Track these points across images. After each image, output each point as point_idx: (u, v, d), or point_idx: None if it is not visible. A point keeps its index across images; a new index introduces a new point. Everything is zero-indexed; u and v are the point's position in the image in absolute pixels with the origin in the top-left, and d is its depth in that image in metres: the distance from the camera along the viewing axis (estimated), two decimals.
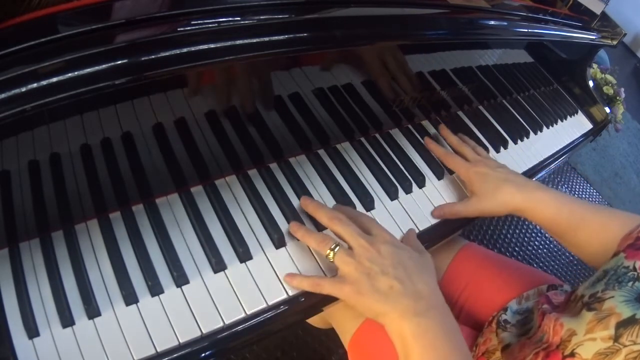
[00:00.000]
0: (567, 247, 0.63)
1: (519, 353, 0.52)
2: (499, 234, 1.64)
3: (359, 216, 0.54)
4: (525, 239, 1.67)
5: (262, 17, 0.44)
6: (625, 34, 1.02)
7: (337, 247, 0.49)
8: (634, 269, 0.45)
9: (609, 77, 1.84)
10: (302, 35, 0.47)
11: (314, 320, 0.77)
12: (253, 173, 0.59)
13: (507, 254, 1.59)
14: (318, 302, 0.52)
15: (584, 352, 0.42)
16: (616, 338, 0.40)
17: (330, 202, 0.60)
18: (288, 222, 0.55)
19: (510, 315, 0.64)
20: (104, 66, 0.36)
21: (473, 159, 0.68)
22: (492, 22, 0.69)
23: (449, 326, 0.47)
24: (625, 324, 0.40)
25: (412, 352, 0.45)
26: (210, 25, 0.41)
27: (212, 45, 0.41)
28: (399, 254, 0.49)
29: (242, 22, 0.43)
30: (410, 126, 0.75)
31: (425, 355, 0.45)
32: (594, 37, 0.95)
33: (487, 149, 0.79)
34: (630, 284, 0.44)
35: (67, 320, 0.43)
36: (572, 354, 0.43)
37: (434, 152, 0.71)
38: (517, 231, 1.67)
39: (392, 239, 0.52)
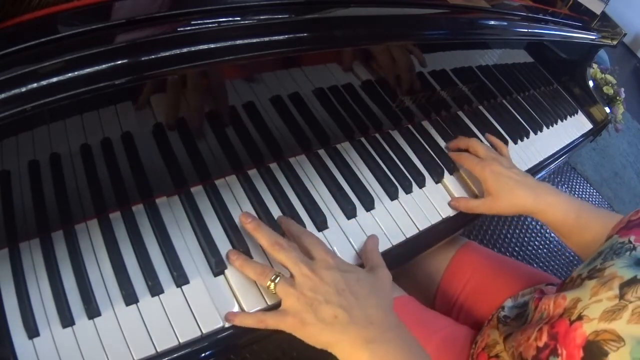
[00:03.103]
0: (572, 247, 0.66)
1: (522, 336, 0.53)
2: (498, 234, 1.64)
3: (301, 235, 0.51)
4: (525, 239, 1.66)
5: (262, 17, 0.44)
6: (625, 34, 1.02)
7: (278, 278, 0.46)
8: (630, 242, 0.47)
9: (609, 77, 1.84)
10: (302, 35, 0.47)
11: None
12: (253, 173, 0.59)
13: (507, 254, 1.59)
14: None
15: (591, 313, 0.43)
16: (621, 296, 0.42)
17: (331, 202, 0.60)
18: None
19: (508, 311, 0.65)
20: (104, 66, 0.36)
21: (485, 156, 0.69)
22: (492, 22, 0.69)
23: (408, 344, 0.46)
24: (628, 284, 0.42)
25: None
26: (210, 25, 0.41)
27: (212, 45, 0.41)
28: (345, 278, 0.46)
29: (242, 22, 0.43)
30: (410, 126, 0.75)
31: None
32: (594, 37, 0.95)
33: None
34: (627, 253, 0.46)
35: (67, 320, 0.43)
36: (580, 317, 0.43)
37: (450, 156, 0.72)
38: (517, 231, 1.67)
39: (337, 261, 0.48)
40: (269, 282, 0.47)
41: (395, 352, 0.44)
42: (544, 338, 0.47)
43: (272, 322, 0.46)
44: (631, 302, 0.41)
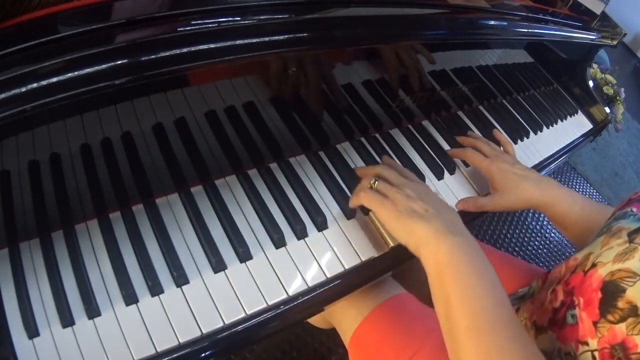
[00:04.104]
0: (573, 240, 0.67)
1: (534, 305, 0.54)
2: (498, 233, 1.64)
3: (403, 169, 0.61)
4: (525, 239, 1.67)
5: (262, 17, 0.44)
6: (625, 34, 1.02)
7: (377, 182, 0.56)
8: (632, 211, 0.50)
9: (609, 77, 1.83)
10: (302, 35, 0.47)
11: (315, 320, 0.77)
12: (253, 173, 0.59)
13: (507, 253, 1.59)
14: (318, 301, 0.52)
15: (605, 258, 0.44)
16: (630, 241, 0.43)
17: (331, 202, 0.60)
18: (288, 222, 0.56)
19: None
20: (104, 66, 0.36)
21: (491, 154, 0.71)
22: (492, 22, 0.69)
23: (477, 245, 0.50)
24: (635, 232, 0.44)
25: (447, 270, 0.47)
26: (210, 25, 0.41)
27: (212, 45, 0.41)
28: (434, 194, 0.56)
29: (242, 22, 0.43)
30: (410, 126, 0.75)
31: (461, 270, 0.46)
32: (594, 37, 0.95)
33: None
34: (631, 217, 0.48)
35: (67, 320, 0.43)
36: (594, 265, 0.45)
37: (451, 152, 0.74)
38: (517, 231, 1.67)
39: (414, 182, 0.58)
40: (373, 180, 0.56)
41: (470, 248, 0.49)
42: (560, 297, 0.48)
43: (371, 200, 0.53)
44: None
